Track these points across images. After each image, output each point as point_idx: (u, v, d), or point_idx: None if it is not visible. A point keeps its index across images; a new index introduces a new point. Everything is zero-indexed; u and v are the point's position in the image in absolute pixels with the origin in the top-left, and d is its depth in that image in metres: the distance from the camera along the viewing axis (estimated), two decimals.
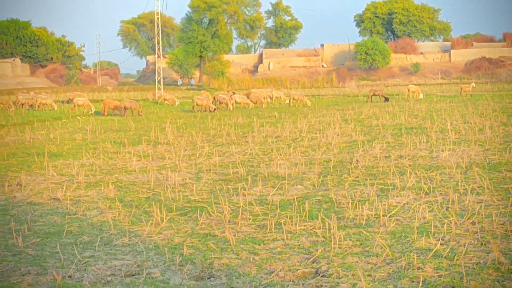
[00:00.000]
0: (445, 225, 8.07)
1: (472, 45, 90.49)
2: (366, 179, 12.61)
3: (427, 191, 10.98)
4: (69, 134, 24.56)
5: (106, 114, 34.69)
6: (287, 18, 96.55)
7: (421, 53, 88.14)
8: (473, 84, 48.91)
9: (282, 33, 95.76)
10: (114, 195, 11.65)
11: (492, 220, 8.18)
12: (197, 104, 36.52)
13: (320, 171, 13.94)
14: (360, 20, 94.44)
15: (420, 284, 5.64)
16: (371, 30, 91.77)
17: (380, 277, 6.02)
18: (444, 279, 5.85)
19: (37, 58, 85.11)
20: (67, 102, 45.98)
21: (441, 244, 7.20)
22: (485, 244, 7.11)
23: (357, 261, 6.64)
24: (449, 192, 10.53)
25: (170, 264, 6.63)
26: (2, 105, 39.69)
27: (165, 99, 46.89)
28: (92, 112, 36.44)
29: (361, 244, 7.45)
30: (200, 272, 6.36)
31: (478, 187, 10.90)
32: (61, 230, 8.55)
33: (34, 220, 9.51)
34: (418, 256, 6.70)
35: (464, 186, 11.08)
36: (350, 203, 9.94)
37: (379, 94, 43.21)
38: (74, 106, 36.87)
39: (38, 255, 7.23)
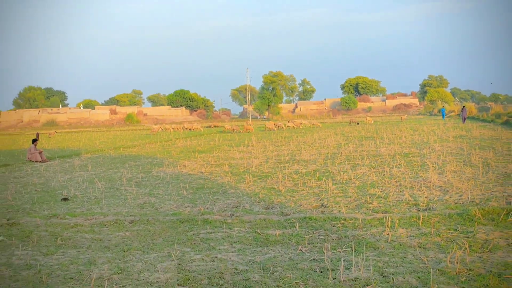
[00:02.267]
0: (383, 183, 12.77)
1: (396, 97, 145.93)
2: (346, 161, 18.42)
3: (374, 166, 16.50)
4: (206, 141, 32.30)
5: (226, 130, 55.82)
6: (308, 86, 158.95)
7: (372, 102, 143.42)
8: (406, 115, 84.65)
9: (306, 93, 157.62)
10: (228, 170, 17.12)
11: (405, 179, 13.05)
12: (267, 127, 58.31)
13: (323, 158, 20.03)
14: (342, 86, 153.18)
15: (370, 211, 9.65)
16: (348, 91, 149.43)
17: (351, 207, 10.15)
18: (382, 208, 9.88)
19: (192, 107, 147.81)
20: (208, 127, 78.18)
21: (380, 191, 11.54)
22: (402, 190, 11.50)
23: (341, 200, 10.88)
24: (384, 167, 15.97)
25: (254, 202, 11.08)
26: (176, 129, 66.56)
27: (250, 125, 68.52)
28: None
29: (343, 192, 11.86)
30: (267, 205, 10.71)
31: (398, 165, 16.14)
32: (203, 187, 13.58)
33: (190, 182, 14.71)
34: (370, 197, 10.94)
35: (392, 164, 16.58)
36: (338, 173, 15.03)
37: (353, 121, 64.49)
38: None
39: (193, 198, 11.91)
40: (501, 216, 8.52)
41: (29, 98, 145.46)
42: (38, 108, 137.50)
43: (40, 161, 24.01)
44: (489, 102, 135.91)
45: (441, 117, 74.33)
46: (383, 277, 5.98)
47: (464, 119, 51.70)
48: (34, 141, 25.47)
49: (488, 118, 56.36)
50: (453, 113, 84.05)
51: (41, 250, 7.83)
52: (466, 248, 6.89)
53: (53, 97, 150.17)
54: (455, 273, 5.97)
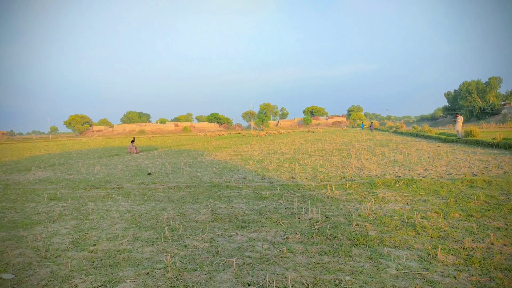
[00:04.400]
0: (326, 165, 12.65)
1: (333, 117, 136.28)
2: (305, 153, 18.00)
3: (321, 156, 16.29)
4: (228, 142, 30.85)
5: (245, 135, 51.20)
6: (285, 110, 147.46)
7: (320, 120, 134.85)
8: (345, 127, 79.29)
9: (283, 115, 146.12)
10: (240, 157, 16.91)
11: (338, 163, 12.94)
12: (261, 134, 53.32)
13: (293, 151, 19.50)
14: (304, 111, 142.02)
15: (319, 180, 9.77)
16: (307, 114, 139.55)
17: (308, 178, 10.05)
18: (325, 179, 9.90)
19: (220, 122, 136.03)
20: (229, 134, 67.65)
21: (324, 170, 11.41)
22: (336, 169, 11.33)
23: (302, 175, 10.74)
24: (327, 156, 15.80)
25: (254, 176, 10.95)
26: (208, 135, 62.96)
27: (253, 134, 64.60)
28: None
29: (304, 170, 11.66)
30: (262, 177, 10.59)
31: (335, 155, 16.23)
32: (226, 167, 13.27)
33: (218, 164, 14.44)
34: (319, 173, 10.82)
35: (331, 154, 16.43)
36: (301, 159, 14.98)
37: (310, 131, 61.83)
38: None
39: (220, 173, 11.67)
40: (392, 183, 8.54)
41: (129, 117, 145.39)
42: (134, 123, 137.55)
43: (135, 153, 23.98)
44: (386, 120, 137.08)
45: (361, 128, 74.33)
46: (326, 217, 5.99)
47: (372, 130, 51.71)
48: (132, 141, 25.49)
49: (385, 129, 56.38)
50: (365, 126, 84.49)
51: (135, 202, 7.85)
52: (372, 201, 6.90)
53: (142, 117, 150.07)
54: (366, 215, 5.98)
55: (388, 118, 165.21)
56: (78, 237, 5.40)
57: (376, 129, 63.63)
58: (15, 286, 3.79)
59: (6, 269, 4.22)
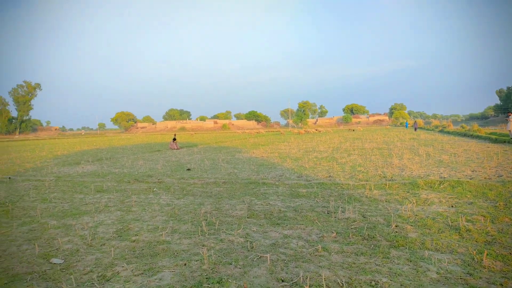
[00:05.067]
0: (365, 164, 12.32)
1: (374, 116, 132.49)
2: (344, 152, 17.72)
3: (360, 155, 15.84)
4: (266, 140, 31.46)
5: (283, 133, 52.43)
6: (324, 108, 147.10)
7: (360, 118, 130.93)
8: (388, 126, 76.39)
9: (322, 113, 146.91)
10: (277, 155, 17.09)
11: (378, 162, 12.63)
12: (300, 132, 53.17)
13: (331, 150, 19.14)
14: (343, 109, 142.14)
15: (358, 180, 9.54)
16: (346, 112, 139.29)
17: (346, 177, 9.84)
18: (364, 178, 9.88)
19: (259, 120, 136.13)
20: (267, 131, 70.80)
21: (363, 169, 11.10)
22: (376, 169, 11.13)
23: (340, 173, 10.55)
24: (367, 155, 15.31)
25: (291, 173, 10.87)
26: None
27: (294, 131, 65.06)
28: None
29: (342, 169, 11.39)
30: (298, 175, 10.46)
31: (375, 154, 15.69)
32: (263, 164, 13.33)
33: (255, 161, 14.56)
34: (357, 172, 10.56)
35: (371, 153, 15.90)
36: (339, 158, 14.68)
37: (350, 129, 60.67)
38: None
39: (257, 170, 11.68)
40: (436, 185, 8.17)
41: (171, 115, 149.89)
42: (175, 120, 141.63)
43: (176, 149, 24.72)
44: (431, 118, 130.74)
45: (405, 127, 71.55)
46: (363, 217, 5.86)
47: (415, 129, 49.59)
48: (174, 139, 26.27)
49: (430, 128, 53.85)
50: (409, 125, 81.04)
51: (175, 196, 8.10)
52: (414, 203, 6.65)
53: (183, 114, 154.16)
54: (407, 216, 5.78)
55: (434, 116, 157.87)
56: (121, 227, 5.67)
57: (421, 128, 60.92)
58: (64, 270, 4.06)
59: (56, 255, 4.53)
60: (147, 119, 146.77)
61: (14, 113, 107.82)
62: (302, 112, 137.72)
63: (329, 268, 3.92)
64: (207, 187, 9.17)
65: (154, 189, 9.04)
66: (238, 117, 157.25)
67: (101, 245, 4.85)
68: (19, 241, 5.10)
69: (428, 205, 6.51)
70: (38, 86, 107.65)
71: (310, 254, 4.33)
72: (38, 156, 21.82)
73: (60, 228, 5.73)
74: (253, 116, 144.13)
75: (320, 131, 60.62)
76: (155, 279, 3.75)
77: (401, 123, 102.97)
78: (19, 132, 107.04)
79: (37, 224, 6.00)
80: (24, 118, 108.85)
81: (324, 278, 3.65)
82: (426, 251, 4.32)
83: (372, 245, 4.57)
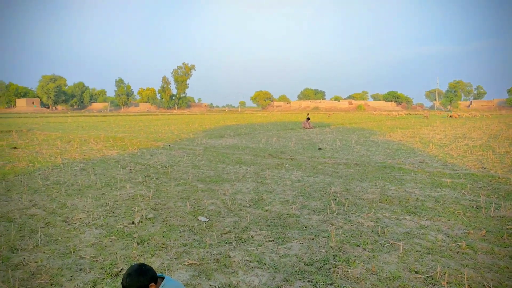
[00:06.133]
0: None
1: None
2: (505, 140, 14.94)
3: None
4: (405, 122, 30.07)
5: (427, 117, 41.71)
6: (481, 90, 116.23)
7: None
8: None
9: (479, 95, 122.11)
10: (418, 140, 15.99)
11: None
12: (451, 116, 41.52)
13: (487, 137, 16.52)
14: (509, 90, 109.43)
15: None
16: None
17: (505, 170, 8.42)
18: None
19: (398, 102, 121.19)
20: (407, 114, 55.90)
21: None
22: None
23: (497, 165, 9.07)
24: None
25: (433, 160, 9.87)
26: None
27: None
28: None
29: (500, 160, 9.75)
30: (443, 163, 9.41)
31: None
32: (400, 149, 12.42)
33: (392, 145, 13.89)
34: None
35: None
36: (497, 148, 12.54)
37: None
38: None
39: (393, 155, 11.01)
40: None
41: (305, 94, 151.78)
42: (309, 99, 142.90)
43: (308, 128, 25.08)
44: None
45: None
46: None
47: None
48: (308, 119, 26.64)
49: None
50: None
51: (306, 173, 8.29)
52: None
53: (318, 94, 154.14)
54: None
55: None
56: (256, 197, 6.14)
57: None
58: (208, 227, 4.65)
59: (202, 213, 5.22)
60: (283, 98, 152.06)
61: (174, 91, 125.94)
62: (453, 93, 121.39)
63: (473, 268, 3.46)
64: (337, 167, 9.08)
65: (286, 165, 9.41)
66: (375, 97, 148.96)
67: (238, 210, 5.36)
68: (175, 199, 6.04)
69: None
70: (193, 67, 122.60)
71: (451, 250, 3.90)
72: (191, 128, 25.13)
73: (206, 191, 6.55)
74: (392, 97, 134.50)
75: (475, 116, 52.56)
76: (285, 247, 3.97)
77: None
78: (177, 107, 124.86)
79: (189, 186, 6.99)
80: (181, 95, 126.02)
81: (467, 278, 3.25)
82: None
83: None
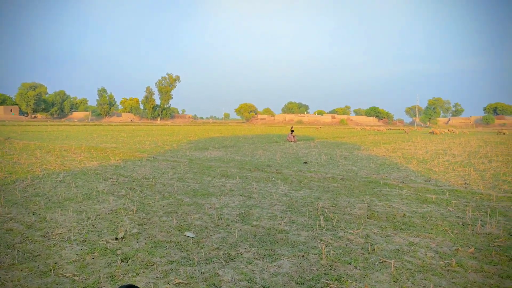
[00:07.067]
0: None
1: None
2: (484, 157, 15.23)
3: (506, 162, 13.56)
4: (387, 137, 30.36)
5: (408, 132, 42.60)
6: (459, 107, 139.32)
7: (506, 119, 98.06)
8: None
9: (457, 112, 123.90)
10: (401, 155, 15.89)
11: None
12: (433, 132, 42.24)
13: (467, 153, 16.79)
14: (484, 108, 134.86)
15: (502, 191, 8.14)
16: (488, 112, 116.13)
17: (487, 187, 8.55)
18: (511, 190, 8.76)
19: (380, 117, 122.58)
20: (389, 129, 56.44)
21: (511, 179, 9.67)
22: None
23: (479, 181, 9.21)
24: (510, 161, 12.98)
25: (417, 176, 9.93)
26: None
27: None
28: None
29: (481, 177, 9.95)
30: (426, 179, 9.49)
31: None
32: (384, 164, 12.52)
33: (375, 160, 13.98)
34: (502, 182, 9.09)
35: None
36: (477, 164, 12.78)
37: (500, 132, 45.03)
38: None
39: (378, 170, 11.06)
40: None
41: (289, 108, 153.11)
42: (293, 113, 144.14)
43: (293, 141, 25.17)
44: None
45: None
46: (510, 235, 4.98)
47: None
48: (292, 131, 26.78)
49: None
50: None
51: (292, 187, 8.24)
52: None
53: (301, 108, 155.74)
54: None
55: None
56: (243, 211, 6.03)
57: None
58: (195, 244, 4.50)
59: (189, 229, 5.06)
60: (267, 111, 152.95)
61: (157, 102, 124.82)
62: (432, 110, 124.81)
63: (465, 287, 3.44)
64: (324, 181, 9.06)
65: (273, 178, 9.34)
66: (357, 112, 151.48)
67: (226, 225, 5.23)
68: (160, 213, 5.86)
69: None
70: (178, 78, 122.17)
71: (441, 268, 3.88)
72: (175, 140, 24.84)
73: (192, 205, 6.39)
74: (374, 112, 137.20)
75: (455, 132, 54.04)
76: (275, 265, 3.86)
77: None
78: (161, 118, 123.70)
79: (174, 199, 6.81)
80: (165, 106, 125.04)
81: None
82: None
83: None
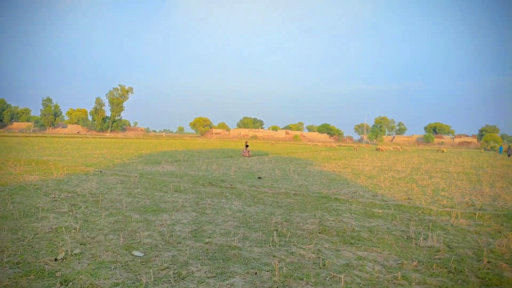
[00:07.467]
0: (450, 189, 11.27)
1: (461, 137, 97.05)
2: (425, 173, 16.34)
3: (444, 178, 14.45)
4: (338, 154, 31.08)
5: (357, 149, 42.79)
6: (402, 126, 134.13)
7: (444, 138, 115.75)
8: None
9: (401, 130, 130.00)
10: (350, 171, 16.36)
11: (465, 188, 11.53)
12: (380, 149, 44.80)
13: (410, 170, 17.92)
14: (425, 128, 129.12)
15: (441, 206, 8.71)
16: (428, 131, 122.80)
17: (428, 202, 9.09)
18: (449, 205, 8.86)
19: (331, 134, 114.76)
20: (339, 145, 55.79)
21: (448, 194, 10.17)
22: (463, 195, 10.15)
23: (421, 197, 9.75)
24: (451, 180, 13.88)
25: (365, 191, 10.35)
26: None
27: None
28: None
29: (423, 192, 10.56)
30: (373, 194, 9.99)
31: (461, 179, 14.13)
32: (335, 179, 12.89)
33: (327, 175, 14.28)
34: (441, 197, 9.70)
35: (456, 178, 14.31)
36: (419, 180, 13.66)
37: (439, 150, 51.62)
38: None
39: (329, 185, 11.33)
40: None
41: (244, 123, 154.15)
42: (248, 128, 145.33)
43: (247, 156, 25.26)
44: None
45: (498, 152, 64.26)
46: (449, 248, 5.31)
47: (509, 155, 44.23)
48: (246, 146, 26.90)
49: None
50: (503, 150, 71.74)
51: (246, 203, 8.20)
52: (510, 238, 5.86)
53: (256, 123, 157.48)
54: (501, 252, 5.11)
55: None
56: (196, 228, 5.87)
57: None
58: (144, 263, 4.29)
59: (137, 247, 4.82)
60: (222, 125, 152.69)
61: (108, 113, 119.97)
62: (378, 128, 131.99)
63: None
64: (277, 197, 9.13)
65: (227, 194, 9.25)
66: (310, 129, 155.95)
67: (177, 243, 5.05)
68: (106, 231, 5.54)
69: None
70: (130, 89, 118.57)
71: (388, 281, 4.01)
72: (125, 153, 23.89)
73: (141, 222, 6.12)
74: (325, 129, 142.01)
75: (399, 149, 57.34)
76: (227, 284, 3.77)
77: (492, 147, 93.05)
78: (111, 130, 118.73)
79: (122, 216, 6.48)
80: (116, 118, 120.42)
81: None
82: None
83: (460, 280, 4.09)
